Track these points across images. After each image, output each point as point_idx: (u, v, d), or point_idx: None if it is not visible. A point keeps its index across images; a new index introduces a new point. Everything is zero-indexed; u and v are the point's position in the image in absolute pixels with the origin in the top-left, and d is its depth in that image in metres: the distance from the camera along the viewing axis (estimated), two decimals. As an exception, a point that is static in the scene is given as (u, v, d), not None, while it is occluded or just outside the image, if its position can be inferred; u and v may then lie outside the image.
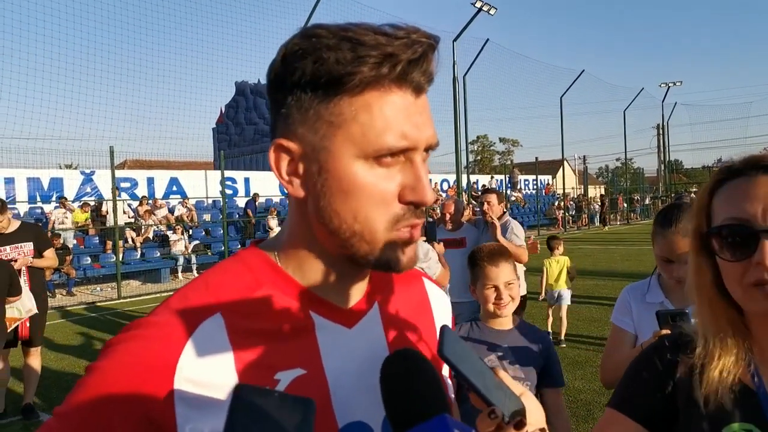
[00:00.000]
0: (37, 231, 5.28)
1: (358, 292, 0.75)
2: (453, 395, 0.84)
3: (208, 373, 0.63)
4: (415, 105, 0.65)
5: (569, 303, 6.98)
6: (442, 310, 0.89)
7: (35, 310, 4.84)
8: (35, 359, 5.08)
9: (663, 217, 1.92)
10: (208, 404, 0.63)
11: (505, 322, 2.17)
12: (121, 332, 0.66)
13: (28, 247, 4.97)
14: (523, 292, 4.83)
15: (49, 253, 5.16)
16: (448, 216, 5.07)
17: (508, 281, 2.14)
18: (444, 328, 0.63)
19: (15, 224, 5.07)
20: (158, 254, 15.30)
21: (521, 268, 4.91)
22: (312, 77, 0.63)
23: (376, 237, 0.66)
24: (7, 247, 4.89)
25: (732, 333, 0.91)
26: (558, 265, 6.94)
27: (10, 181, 15.39)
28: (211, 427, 0.62)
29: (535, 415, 0.66)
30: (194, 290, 0.70)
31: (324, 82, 0.63)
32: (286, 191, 0.70)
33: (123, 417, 0.61)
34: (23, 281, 4.83)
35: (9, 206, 4.90)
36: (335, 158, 0.64)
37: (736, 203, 0.86)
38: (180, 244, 15.17)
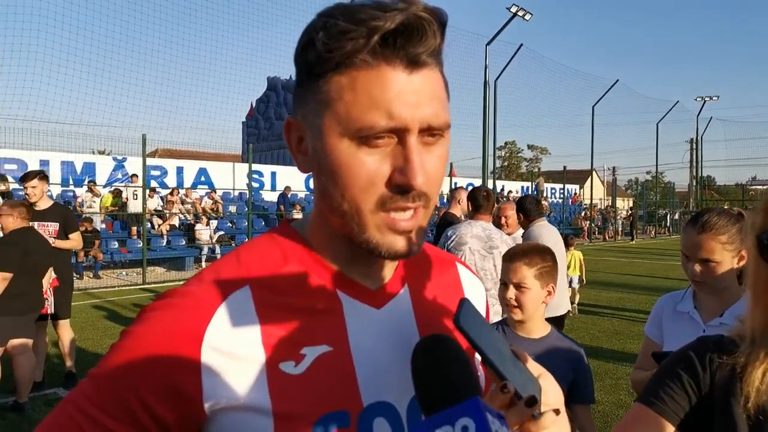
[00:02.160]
0: (66, 213, 5.39)
1: (387, 273, 0.75)
2: (483, 386, 0.83)
3: (234, 343, 0.64)
4: (409, 82, 0.61)
5: (577, 285, 8.96)
6: (475, 297, 0.88)
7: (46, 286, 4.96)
8: (65, 330, 5.26)
9: (693, 216, 1.93)
10: (233, 374, 0.63)
11: (534, 329, 2.06)
12: (156, 300, 0.68)
13: (54, 227, 5.10)
14: (563, 311, 4.63)
15: (75, 236, 5.27)
16: (504, 219, 4.99)
17: (519, 283, 2.02)
18: (463, 300, 0.62)
19: (48, 203, 5.23)
20: (183, 242, 15.54)
21: (564, 286, 4.72)
22: (305, 56, 0.63)
23: (363, 219, 0.64)
24: (35, 224, 5.05)
25: None
26: (571, 255, 8.61)
27: (45, 164, 15.77)
28: (236, 396, 0.63)
29: (552, 395, 0.64)
30: (226, 264, 0.71)
31: (313, 61, 0.63)
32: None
33: (150, 381, 0.62)
34: None
35: (16, 188, 5.06)
36: (324, 137, 0.63)
37: None
38: (205, 234, 15.39)
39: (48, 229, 5.10)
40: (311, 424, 0.64)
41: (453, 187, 6.46)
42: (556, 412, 0.62)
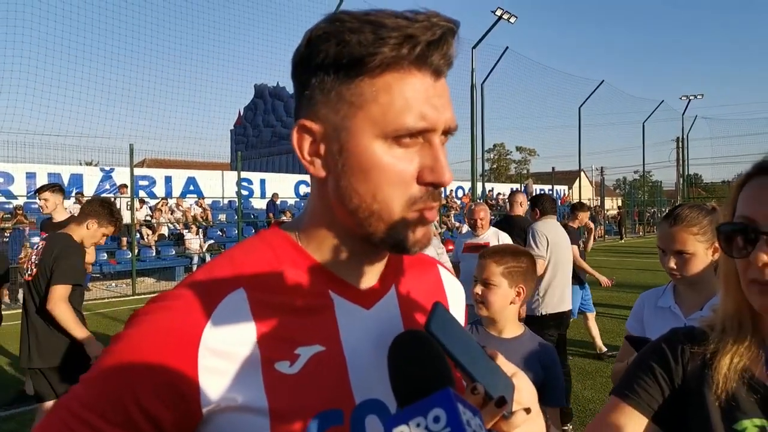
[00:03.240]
0: None
1: (375, 274, 0.77)
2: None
3: (230, 344, 0.65)
4: (434, 87, 0.66)
5: None
6: (456, 297, 0.91)
7: None
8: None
9: (668, 211, 2.00)
10: (230, 374, 0.65)
11: (506, 329, 2.07)
12: (148, 303, 0.69)
13: None
14: (565, 307, 4.71)
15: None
16: (478, 222, 5.06)
17: (486, 280, 2.03)
18: (436, 304, 0.64)
19: (64, 215, 5.15)
20: (173, 252, 15.46)
21: (565, 283, 4.76)
22: (335, 59, 0.65)
23: (393, 217, 0.67)
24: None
25: (749, 324, 0.92)
26: None
27: (31, 176, 15.65)
28: (232, 396, 0.65)
29: (525, 394, 0.66)
30: (219, 265, 0.72)
31: (346, 63, 0.64)
32: (307, 172, 0.72)
33: (147, 383, 0.63)
34: None
35: (29, 200, 4.99)
36: (355, 138, 0.66)
37: (750, 202, 0.87)
38: (195, 243, 15.32)
39: None
40: (306, 422, 0.66)
41: (512, 190, 6.74)
42: (527, 410, 0.64)
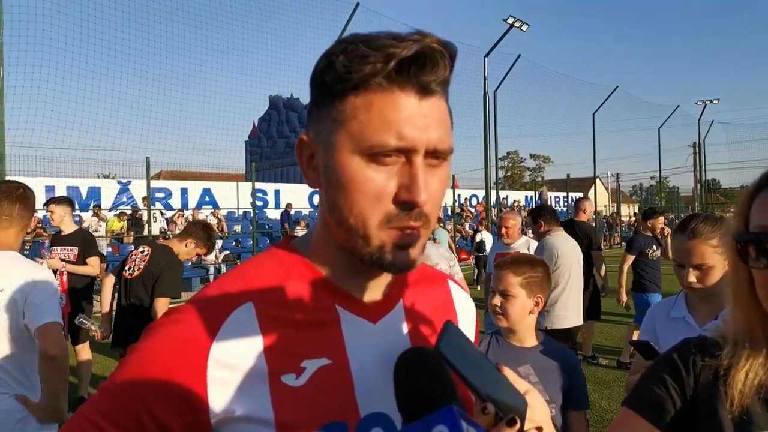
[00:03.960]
0: (84, 237, 5.33)
1: (381, 288, 0.78)
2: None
3: (239, 356, 0.67)
4: (419, 107, 0.66)
5: None
6: (466, 312, 0.92)
7: None
8: (84, 354, 5.29)
9: (681, 223, 1.96)
10: (237, 386, 0.67)
11: (526, 338, 2.07)
12: (163, 316, 0.72)
13: (74, 251, 5.11)
14: (574, 322, 4.57)
15: (92, 261, 5.23)
16: (503, 230, 5.02)
17: (504, 291, 2.03)
18: (447, 323, 0.65)
19: (72, 227, 5.25)
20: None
21: (576, 298, 4.65)
22: (324, 77, 0.68)
23: (369, 233, 0.68)
24: (59, 248, 5.13)
25: (763, 337, 0.89)
26: None
27: (50, 189, 15.89)
28: (240, 408, 0.66)
29: (537, 412, 0.66)
30: (229, 280, 0.74)
31: (331, 82, 0.67)
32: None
33: (159, 394, 0.65)
34: (57, 284, 4.99)
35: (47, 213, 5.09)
36: (336, 153, 0.68)
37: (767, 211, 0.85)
38: (210, 254, 15.39)
39: (68, 254, 5.12)
40: None
41: (576, 198, 7.01)
42: (539, 429, 0.64)
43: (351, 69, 0.65)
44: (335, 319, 0.73)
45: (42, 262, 4.84)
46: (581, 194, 33.87)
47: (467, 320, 0.92)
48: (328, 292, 0.74)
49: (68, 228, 5.18)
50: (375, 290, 0.78)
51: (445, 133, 0.68)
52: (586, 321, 6.49)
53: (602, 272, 6.32)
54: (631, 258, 6.25)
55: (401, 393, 0.63)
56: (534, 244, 4.99)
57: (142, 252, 4.06)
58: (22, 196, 2.33)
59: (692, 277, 1.85)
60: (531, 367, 1.97)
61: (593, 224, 5.88)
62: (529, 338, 2.08)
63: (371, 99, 0.66)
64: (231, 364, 0.67)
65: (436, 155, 0.68)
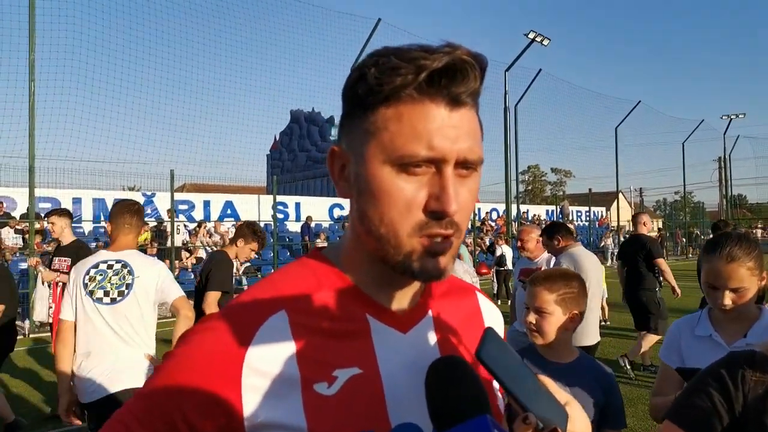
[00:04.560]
0: (78, 248, 5.19)
1: (411, 298, 0.79)
2: (503, 411, 0.85)
3: (272, 364, 0.68)
4: (450, 118, 0.67)
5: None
6: (494, 324, 0.91)
7: (43, 318, 5.04)
8: None
9: (711, 243, 1.90)
10: (270, 394, 0.67)
11: (563, 354, 2.03)
12: (197, 324, 0.73)
13: (67, 262, 5.07)
14: (592, 341, 4.38)
15: None
16: (520, 243, 4.96)
17: (540, 308, 2.00)
18: (487, 330, 0.65)
19: (70, 239, 5.27)
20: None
21: (595, 315, 4.51)
22: (356, 89, 0.69)
23: (400, 242, 0.68)
24: (56, 259, 5.17)
25: None
26: None
27: (77, 201, 16.23)
28: (273, 415, 0.67)
29: (578, 424, 0.66)
30: (261, 289, 0.76)
31: (363, 94, 0.68)
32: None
33: (194, 400, 0.66)
34: (49, 294, 5.14)
35: (75, 225, 5.22)
36: (367, 164, 0.69)
37: None
38: (262, 248, 15.43)
39: (63, 264, 5.12)
40: None
41: (634, 212, 7.39)
42: None
43: (382, 81, 0.66)
44: (366, 328, 0.74)
45: (38, 272, 4.95)
46: (603, 208, 33.51)
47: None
48: (358, 302, 0.75)
49: (67, 239, 5.22)
50: (405, 300, 0.78)
51: (475, 143, 0.69)
52: (643, 332, 6.57)
53: (670, 278, 6.68)
54: None
55: (433, 403, 0.63)
56: (555, 260, 4.88)
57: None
58: (138, 210, 3.29)
59: (728, 300, 1.80)
60: (566, 383, 1.91)
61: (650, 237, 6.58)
62: (565, 354, 2.04)
63: (402, 110, 0.67)
64: (265, 372, 0.68)
65: (466, 166, 0.69)
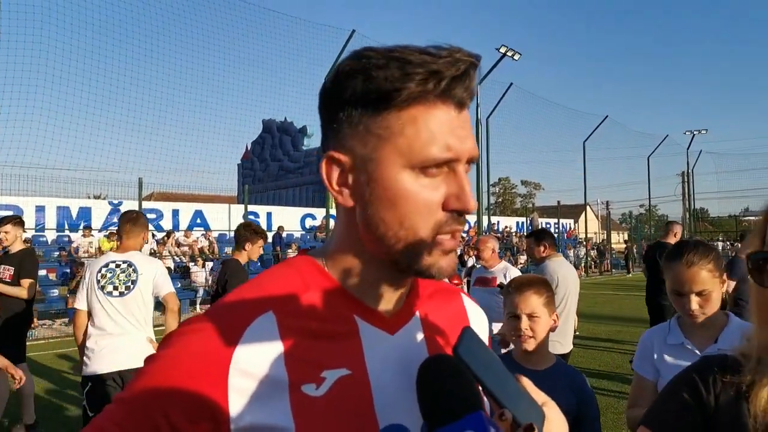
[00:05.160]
0: (22, 257, 5.08)
1: (399, 300, 0.79)
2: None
3: (260, 366, 0.67)
4: (458, 119, 0.69)
5: None
6: (479, 325, 0.92)
7: None
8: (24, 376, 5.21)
9: (671, 252, 1.96)
10: (258, 395, 0.66)
11: (541, 360, 2.05)
12: (181, 326, 0.71)
13: (9, 271, 4.96)
14: (567, 349, 4.49)
15: (24, 283, 4.99)
16: (476, 252, 5.07)
17: (531, 313, 2.03)
18: (465, 329, 0.65)
19: (19, 245, 5.15)
20: (179, 285, 15.42)
21: (571, 324, 4.62)
22: (362, 94, 0.68)
23: (420, 243, 0.69)
24: (2, 267, 5.01)
25: None
26: None
27: (41, 209, 15.80)
28: (260, 417, 0.66)
29: (555, 424, 0.66)
30: (248, 290, 0.74)
31: (374, 98, 0.68)
32: (335, 201, 0.74)
33: (179, 403, 0.64)
34: None
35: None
36: (383, 169, 0.69)
37: None
38: (201, 276, 15.30)
39: (5, 273, 4.99)
40: None
41: (669, 221, 7.46)
42: None
43: (395, 86, 0.66)
44: (354, 329, 0.73)
45: None
46: (572, 221, 34.14)
47: (480, 332, 0.91)
48: (346, 303, 0.74)
49: (17, 247, 5.11)
50: (392, 302, 0.78)
51: (474, 141, 0.72)
52: None
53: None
54: (733, 283, 5.83)
55: (425, 401, 0.62)
56: (512, 269, 5.01)
57: (215, 270, 4.63)
58: (136, 218, 4.00)
59: (695, 304, 1.85)
60: (542, 390, 1.92)
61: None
62: (544, 360, 2.07)
63: (416, 114, 0.67)
64: (252, 373, 0.66)
65: (470, 163, 0.72)
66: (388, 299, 0.77)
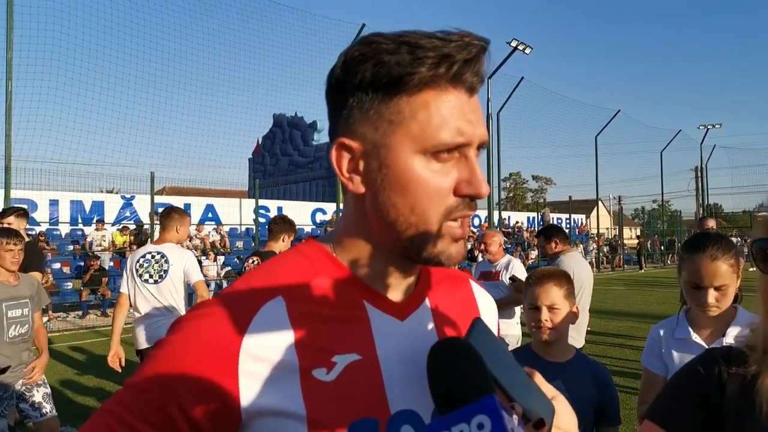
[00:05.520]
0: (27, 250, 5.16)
1: (408, 286, 0.78)
2: None
3: (269, 350, 0.67)
4: (469, 103, 0.69)
5: None
6: (488, 311, 0.92)
7: None
8: None
9: (692, 242, 1.92)
10: (268, 380, 0.66)
11: (561, 352, 2.06)
12: (190, 311, 0.71)
13: None
14: (580, 343, 4.44)
15: (36, 276, 4.97)
16: (483, 246, 5.06)
17: (551, 305, 2.04)
18: (476, 320, 0.65)
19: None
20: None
21: (585, 320, 4.57)
22: (373, 79, 0.67)
23: (431, 229, 0.69)
24: None
25: None
26: None
27: (54, 203, 15.96)
28: (271, 402, 0.66)
29: (564, 419, 0.66)
30: (257, 275, 0.74)
31: (384, 83, 0.67)
32: (346, 188, 0.74)
33: (189, 388, 0.64)
34: None
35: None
36: (395, 154, 0.68)
37: None
38: (212, 270, 15.40)
39: None
40: (343, 430, 0.66)
41: (703, 215, 7.70)
42: None
43: (407, 71, 0.65)
44: (364, 315, 0.73)
45: None
46: (584, 216, 33.91)
47: (489, 319, 0.91)
48: (355, 289, 0.74)
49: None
50: (402, 288, 0.78)
51: (485, 126, 0.72)
52: None
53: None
54: None
55: (436, 382, 0.62)
56: (516, 263, 5.01)
57: (253, 262, 4.81)
58: (168, 213, 4.55)
59: (712, 298, 1.82)
60: (563, 381, 1.92)
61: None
62: (564, 352, 2.08)
63: (427, 98, 0.67)
64: (262, 358, 0.66)
65: (480, 148, 0.71)
66: (398, 286, 0.77)
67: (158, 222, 4.95)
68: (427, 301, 0.80)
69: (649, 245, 31.45)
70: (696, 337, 1.92)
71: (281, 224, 4.94)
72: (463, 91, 0.69)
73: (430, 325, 0.79)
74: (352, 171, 0.72)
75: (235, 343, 0.66)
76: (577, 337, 4.50)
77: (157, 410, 0.64)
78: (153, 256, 4.41)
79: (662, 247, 33.50)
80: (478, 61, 0.68)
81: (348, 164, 0.72)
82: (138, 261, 4.40)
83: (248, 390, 0.65)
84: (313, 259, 0.76)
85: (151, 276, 4.37)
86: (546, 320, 2.03)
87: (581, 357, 2.11)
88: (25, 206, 6.65)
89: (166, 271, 4.36)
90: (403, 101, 0.67)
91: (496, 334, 0.92)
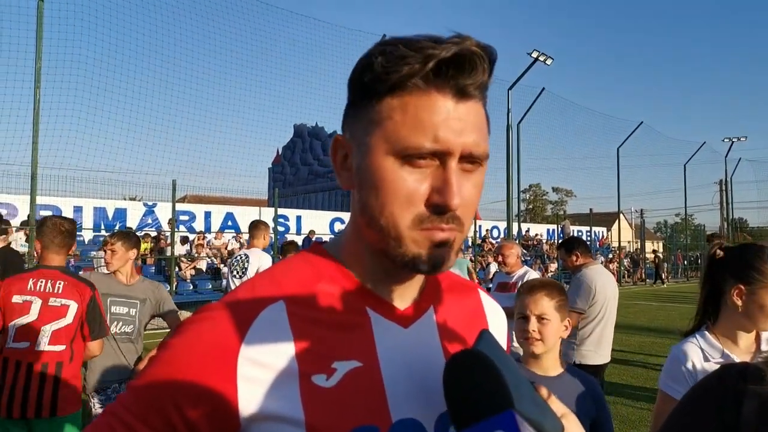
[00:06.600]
0: (3, 257, 5.54)
1: (412, 293, 0.77)
2: None
3: (269, 355, 0.66)
4: (456, 110, 0.65)
5: None
6: (497, 323, 0.90)
7: None
8: None
9: (757, 252, 1.79)
10: (267, 385, 0.65)
11: (551, 366, 2.00)
12: (194, 314, 0.71)
13: None
14: (605, 359, 4.34)
15: None
16: (501, 258, 5.04)
17: (541, 314, 1.97)
18: (483, 332, 0.64)
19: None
20: (210, 286, 15.67)
21: (610, 334, 4.46)
22: (361, 78, 0.68)
23: (400, 234, 0.67)
24: None
25: None
26: None
27: (78, 210, 16.23)
28: (269, 407, 0.65)
29: None
30: (260, 281, 0.74)
31: (369, 82, 0.67)
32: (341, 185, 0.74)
33: (188, 391, 0.64)
34: None
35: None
36: (370, 154, 0.67)
37: None
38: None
39: None
40: None
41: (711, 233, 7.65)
42: None
43: (389, 69, 0.64)
44: (366, 321, 0.72)
45: None
46: (605, 229, 33.54)
47: (499, 331, 0.89)
48: (359, 295, 0.73)
49: None
50: (406, 295, 0.76)
51: (480, 137, 0.67)
52: None
53: None
54: None
55: (453, 396, 0.60)
56: (532, 273, 5.01)
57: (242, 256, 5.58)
58: (257, 225, 5.71)
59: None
60: (557, 397, 1.88)
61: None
62: (554, 366, 2.02)
63: (407, 100, 0.65)
64: (261, 363, 0.66)
65: (471, 160, 0.67)
66: (401, 292, 0.75)
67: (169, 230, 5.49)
68: (432, 310, 0.79)
69: (672, 259, 30.91)
70: (727, 356, 1.80)
71: (290, 250, 6.06)
72: (449, 97, 0.65)
73: (435, 335, 0.77)
74: (342, 167, 0.73)
75: (234, 347, 0.66)
76: (600, 352, 4.37)
77: (157, 412, 0.64)
78: (240, 258, 5.47)
79: (685, 262, 32.92)
80: (467, 64, 0.64)
81: (340, 160, 0.73)
82: (232, 262, 5.55)
83: (247, 395, 0.65)
84: (317, 265, 0.75)
85: (237, 272, 5.40)
86: (534, 330, 1.96)
87: (572, 371, 2.05)
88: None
89: (245, 269, 5.34)
90: (384, 102, 0.66)
91: (504, 346, 0.90)
